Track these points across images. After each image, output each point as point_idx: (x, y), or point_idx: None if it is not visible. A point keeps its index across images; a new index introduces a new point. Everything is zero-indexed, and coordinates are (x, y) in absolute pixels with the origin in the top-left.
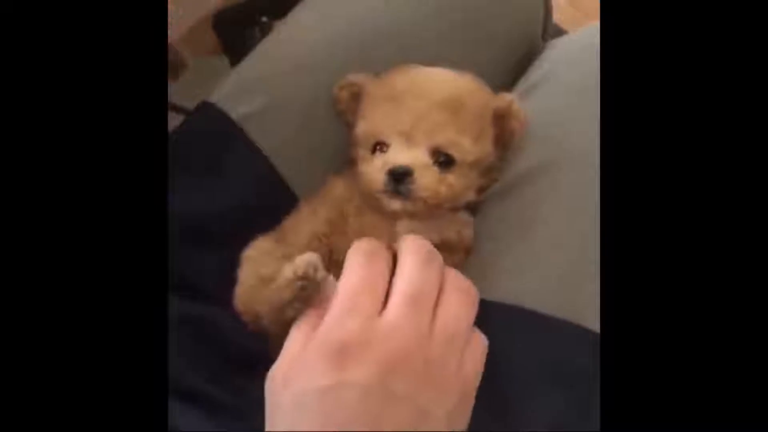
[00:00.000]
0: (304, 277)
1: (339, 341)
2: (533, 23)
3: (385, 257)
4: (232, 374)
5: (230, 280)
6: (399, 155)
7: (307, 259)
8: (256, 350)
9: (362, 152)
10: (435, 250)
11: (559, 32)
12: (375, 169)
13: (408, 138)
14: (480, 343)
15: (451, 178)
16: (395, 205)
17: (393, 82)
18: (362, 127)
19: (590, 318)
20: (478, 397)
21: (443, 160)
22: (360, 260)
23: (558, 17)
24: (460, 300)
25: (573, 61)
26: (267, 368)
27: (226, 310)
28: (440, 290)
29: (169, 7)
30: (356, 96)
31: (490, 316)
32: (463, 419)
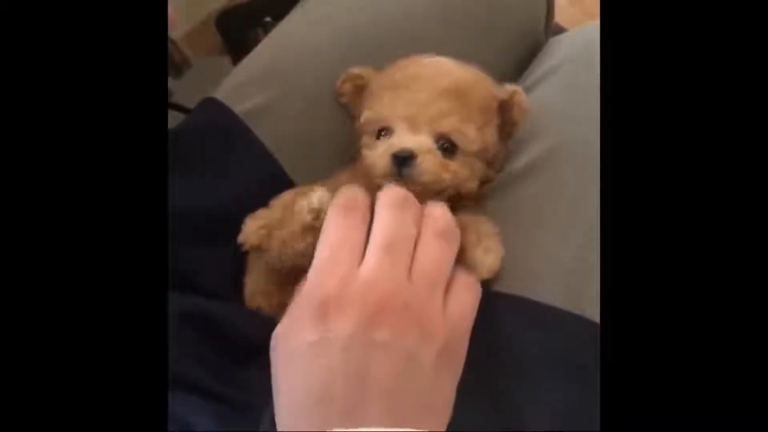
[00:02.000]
0: (317, 210)
1: (320, 298)
2: (536, 20)
3: (361, 209)
4: (233, 367)
5: (232, 275)
6: (403, 139)
7: (319, 194)
8: (257, 343)
9: (367, 139)
10: (410, 195)
11: (561, 31)
12: (378, 153)
13: (412, 123)
14: (466, 282)
15: (455, 164)
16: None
17: (398, 70)
18: (367, 115)
19: (595, 310)
20: (481, 388)
21: (447, 147)
22: (338, 215)
23: (559, 17)
24: (438, 242)
25: (577, 56)
26: (267, 361)
27: (228, 304)
28: (419, 234)
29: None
30: (359, 88)
31: (495, 307)
32: (455, 363)
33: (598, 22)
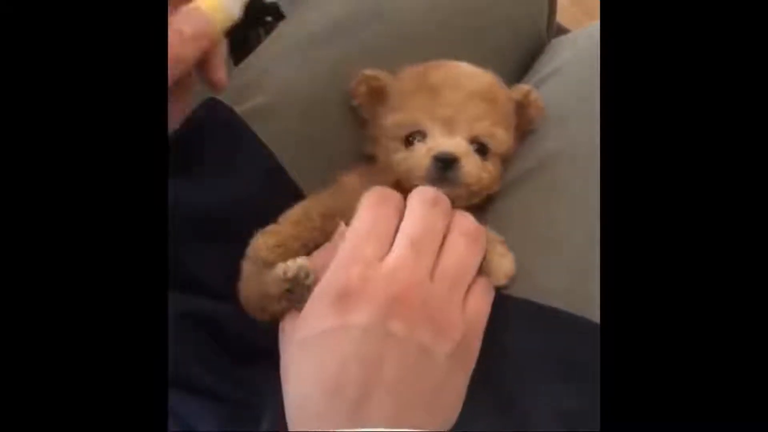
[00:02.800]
0: (293, 280)
1: (340, 287)
2: (537, 21)
3: (395, 202)
4: (233, 367)
5: (233, 275)
6: (443, 142)
7: (299, 263)
8: (257, 343)
9: (392, 144)
10: (442, 195)
11: (563, 32)
12: (418, 156)
13: (447, 126)
14: (484, 284)
15: (490, 166)
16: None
17: (426, 73)
18: (395, 118)
19: (597, 311)
20: (483, 389)
21: (478, 150)
22: (370, 205)
23: (560, 17)
24: (465, 243)
25: (580, 57)
26: (268, 361)
27: (229, 304)
28: (447, 233)
29: None
30: (374, 90)
31: (497, 309)
32: (467, 363)
33: (598, 22)
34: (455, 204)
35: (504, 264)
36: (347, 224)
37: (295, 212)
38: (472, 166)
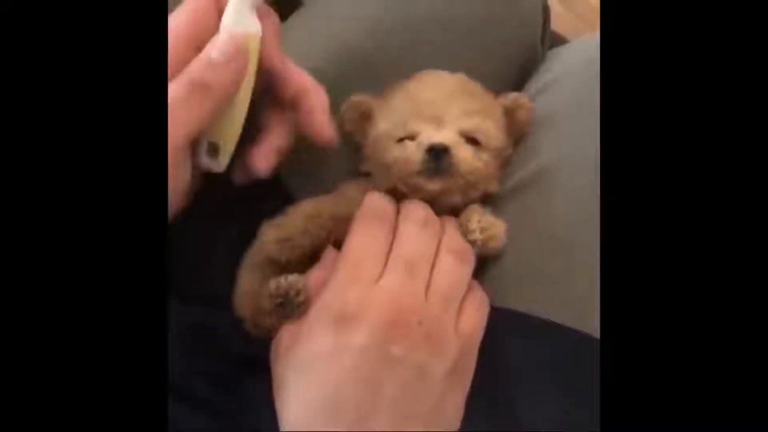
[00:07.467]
0: (284, 296)
1: (338, 309)
2: (532, 30)
3: (389, 220)
4: (230, 376)
5: (229, 284)
6: (433, 135)
7: (291, 281)
8: (254, 353)
9: (384, 148)
10: (432, 214)
11: (559, 39)
12: (410, 151)
13: (438, 122)
14: (477, 299)
15: (484, 155)
16: (434, 185)
17: (408, 84)
18: (385, 126)
19: (594, 324)
20: (479, 402)
21: (469, 142)
22: (364, 224)
23: (555, 24)
24: (455, 262)
25: (576, 67)
26: (265, 370)
27: (226, 314)
28: (437, 252)
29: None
30: (363, 114)
31: (493, 321)
32: (464, 379)
33: (595, 33)
34: (453, 200)
35: (500, 228)
36: (341, 240)
37: (306, 206)
38: (464, 154)
